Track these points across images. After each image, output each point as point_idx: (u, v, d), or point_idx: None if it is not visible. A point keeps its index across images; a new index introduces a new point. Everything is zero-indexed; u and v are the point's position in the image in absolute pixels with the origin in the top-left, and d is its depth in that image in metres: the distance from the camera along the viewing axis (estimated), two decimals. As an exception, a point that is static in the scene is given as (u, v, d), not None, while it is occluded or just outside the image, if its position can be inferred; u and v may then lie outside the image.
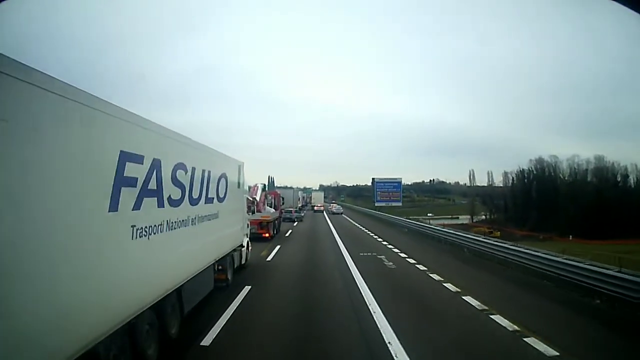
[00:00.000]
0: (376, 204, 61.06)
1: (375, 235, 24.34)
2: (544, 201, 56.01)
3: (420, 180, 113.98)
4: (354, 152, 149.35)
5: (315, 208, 60.67)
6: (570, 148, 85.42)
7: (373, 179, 66.34)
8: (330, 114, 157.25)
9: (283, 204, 28.22)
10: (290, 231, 25.80)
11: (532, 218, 56.28)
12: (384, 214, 50.79)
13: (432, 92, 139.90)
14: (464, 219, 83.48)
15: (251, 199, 17.11)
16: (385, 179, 65.73)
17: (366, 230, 27.91)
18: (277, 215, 23.24)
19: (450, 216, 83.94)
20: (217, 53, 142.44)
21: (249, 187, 17.55)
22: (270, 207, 22.34)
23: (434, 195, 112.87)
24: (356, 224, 34.84)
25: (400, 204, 64.67)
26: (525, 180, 60.60)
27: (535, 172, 59.31)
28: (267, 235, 19.41)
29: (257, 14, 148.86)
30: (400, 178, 65.90)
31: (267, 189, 34.69)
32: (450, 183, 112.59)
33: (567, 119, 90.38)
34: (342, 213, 53.81)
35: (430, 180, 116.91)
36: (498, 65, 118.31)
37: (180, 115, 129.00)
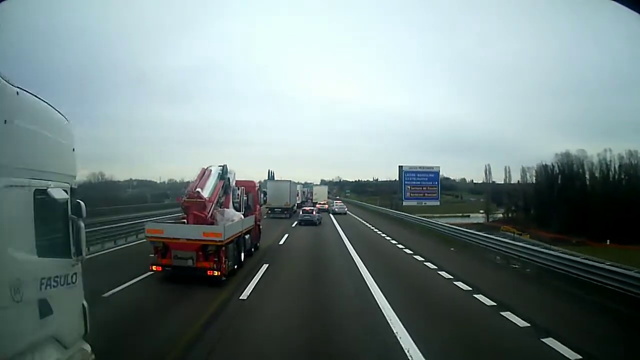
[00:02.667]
0: (404, 203, 46.48)
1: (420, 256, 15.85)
2: (572, 200, 50.53)
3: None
4: (357, 148, 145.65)
5: (318, 206, 44.74)
6: (577, 145, 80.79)
7: (400, 167, 48.72)
8: (333, 109, 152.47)
9: (263, 202, 19.93)
10: (283, 239, 19.92)
11: (559, 219, 50.71)
12: (397, 212, 45.53)
13: (436, 89, 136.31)
14: (475, 217, 78.45)
15: (192, 193, 10.61)
16: (417, 167, 48.67)
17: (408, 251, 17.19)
18: (249, 226, 13.51)
19: (460, 214, 78.87)
20: (221, 49, 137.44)
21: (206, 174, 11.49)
22: (238, 209, 13.55)
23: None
24: (383, 235, 23.77)
25: (438, 202, 50.22)
26: (550, 176, 55.04)
27: (561, 168, 53.68)
28: (214, 273, 9.82)
29: (262, 11, 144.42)
30: (438, 167, 49.65)
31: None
32: (455, 180, 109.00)
33: (572, 116, 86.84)
34: (345, 212, 43.87)
35: None
36: (499, 64, 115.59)
37: (183, 112, 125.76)
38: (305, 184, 76.04)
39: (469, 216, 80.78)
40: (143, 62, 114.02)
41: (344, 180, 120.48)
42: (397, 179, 54.54)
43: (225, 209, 12.18)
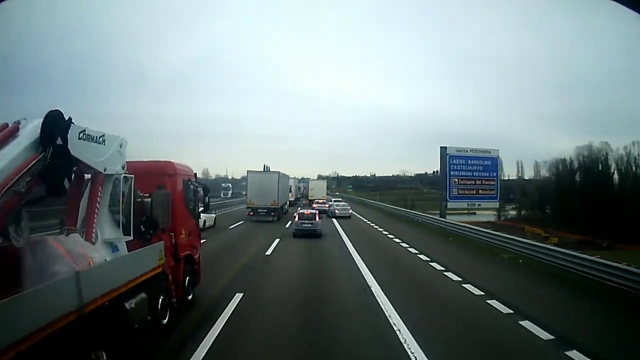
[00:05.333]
0: (450, 204, 31.90)
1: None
2: (596, 197, 45.36)
3: (422, 172, 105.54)
4: (354, 144, 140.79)
5: (315, 206, 36.14)
6: (580, 142, 76.72)
7: (443, 149, 31.51)
8: (331, 104, 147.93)
9: (202, 208, 9.82)
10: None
11: (581, 218, 45.60)
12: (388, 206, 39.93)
13: (434, 84, 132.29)
14: (483, 215, 73.57)
15: None
16: (467, 150, 32.07)
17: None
18: (139, 276, 6.23)
19: (466, 212, 74.23)
20: (219, 43, 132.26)
21: None
22: (127, 226, 6.45)
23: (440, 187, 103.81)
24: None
25: (496, 203, 36.50)
26: (569, 171, 49.88)
27: (582, 162, 48.45)
28: None
29: (261, 5, 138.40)
30: (497, 151, 33.36)
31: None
32: None
33: (569, 114, 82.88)
34: (349, 216, 34.19)
35: (434, 172, 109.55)
36: (496, 61, 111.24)
37: (178, 105, 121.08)
38: (302, 180, 70.57)
39: (475, 214, 76.15)
40: (142, 58, 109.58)
41: (341, 176, 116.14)
42: (438, 169, 38.24)
43: (70, 231, 5.70)
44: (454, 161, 32.13)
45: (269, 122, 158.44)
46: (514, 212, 57.38)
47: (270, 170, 30.36)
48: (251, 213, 28.13)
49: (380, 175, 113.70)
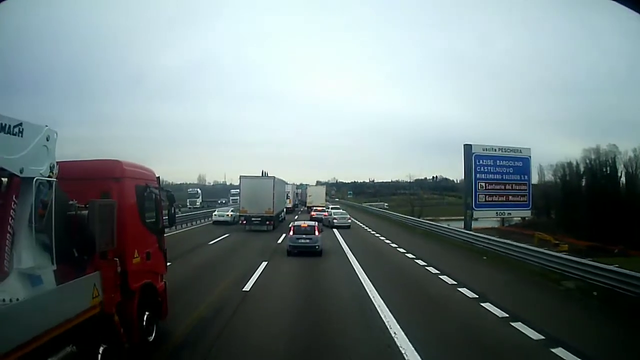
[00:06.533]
0: (476, 213, 27.53)
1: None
2: (605, 202, 43.85)
3: (422, 177, 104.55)
4: (352, 149, 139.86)
5: (313, 214, 34.95)
6: (581, 145, 75.66)
7: (468, 147, 26.69)
8: (329, 110, 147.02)
9: (169, 224, 7.81)
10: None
11: (589, 223, 44.03)
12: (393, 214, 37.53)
13: (434, 90, 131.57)
14: (485, 220, 71.81)
15: None
16: (495, 148, 27.49)
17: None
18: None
19: (468, 217, 72.57)
20: (218, 48, 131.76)
21: None
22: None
23: (441, 192, 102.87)
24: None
25: (528, 211, 31.60)
26: (576, 175, 48.40)
27: (589, 165, 46.97)
28: None
29: (258, 10, 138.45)
30: (528, 149, 28.97)
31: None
32: (455, 180, 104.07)
33: (570, 116, 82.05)
34: (349, 226, 30.61)
35: (433, 177, 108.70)
36: (496, 63, 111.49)
37: (177, 111, 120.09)
38: (300, 185, 68.77)
39: (477, 219, 74.60)
40: (140, 61, 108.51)
41: (340, 182, 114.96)
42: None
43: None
44: (481, 162, 26.62)
45: (267, 128, 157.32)
46: (518, 218, 55.74)
47: (269, 175, 28.66)
48: (244, 222, 26.15)
49: (379, 181, 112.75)
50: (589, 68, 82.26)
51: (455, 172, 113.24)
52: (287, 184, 41.17)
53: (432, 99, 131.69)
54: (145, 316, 6.34)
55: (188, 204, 50.64)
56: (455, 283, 11.83)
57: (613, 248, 36.09)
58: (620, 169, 46.18)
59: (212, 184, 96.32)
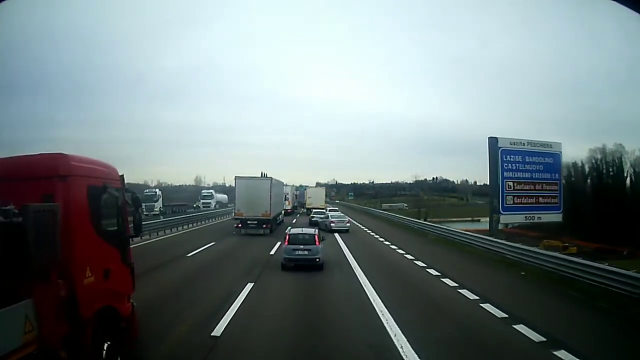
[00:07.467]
0: (503, 215, 23.87)
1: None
2: (612, 203, 42.90)
3: (422, 178, 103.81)
4: (353, 150, 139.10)
5: (313, 217, 34.21)
6: (586, 145, 74.99)
7: (494, 140, 23.43)
8: (329, 111, 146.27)
9: (135, 233, 6.23)
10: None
11: (596, 225, 43.10)
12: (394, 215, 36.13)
13: (433, 91, 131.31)
14: (487, 221, 70.86)
15: None
16: (523, 142, 23.90)
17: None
18: None
19: (470, 218, 71.40)
20: (217, 49, 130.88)
21: None
22: None
23: (441, 193, 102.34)
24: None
25: (559, 215, 26.99)
26: (580, 175, 47.32)
27: (595, 165, 45.92)
28: None
29: (257, 11, 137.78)
30: (559, 144, 25.86)
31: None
32: (455, 182, 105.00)
33: (567, 117, 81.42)
34: (348, 229, 28.96)
35: (434, 178, 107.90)
36: (496, 64, 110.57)
37: (176, 112, 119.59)
38: (300, 187, 67.60)
39: (479, 220, 73.47)
40: (139, 63, 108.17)
41: (340, 183, 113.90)
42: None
43: None
44: (508, 157, 22.94)
45: (266, 130, 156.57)
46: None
47: (267, 176, 27.52)
48: (239, 225, 24.87)
49: (379, 182, 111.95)
50: (589, 68, 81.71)
51: (456, 173, 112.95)
52: (285, 185, 40.08)
53: (432, 99, 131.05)
54: (105, 347, 5.14)
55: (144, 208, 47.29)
56: (506, 316, 8.87)
57: (621, 250, 35.04)
58: (627, 168, 45.14)
59: (211, 185, 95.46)
